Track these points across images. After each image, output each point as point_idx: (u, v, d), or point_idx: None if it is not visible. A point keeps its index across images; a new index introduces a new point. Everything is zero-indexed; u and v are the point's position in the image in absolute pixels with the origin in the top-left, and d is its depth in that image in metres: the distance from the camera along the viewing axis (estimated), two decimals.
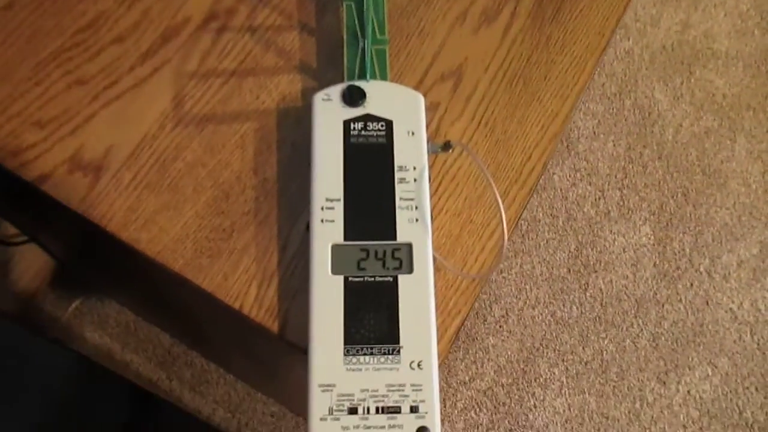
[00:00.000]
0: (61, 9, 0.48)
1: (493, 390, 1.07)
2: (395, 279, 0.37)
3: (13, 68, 0.46)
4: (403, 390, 0.35)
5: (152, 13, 0.49)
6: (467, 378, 1.07)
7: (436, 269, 0.40)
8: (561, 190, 1.22)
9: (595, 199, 1.22)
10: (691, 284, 1.17)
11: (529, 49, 0.50)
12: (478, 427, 1.05)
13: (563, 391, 1.07)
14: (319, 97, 0.41)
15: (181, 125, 0.45)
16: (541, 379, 1.08)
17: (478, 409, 1.06)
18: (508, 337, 1.11)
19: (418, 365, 0.36)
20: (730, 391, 1.09)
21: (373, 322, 0.36)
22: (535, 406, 1.06)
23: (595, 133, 1.29)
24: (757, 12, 1.47)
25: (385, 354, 0.36)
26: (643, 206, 1.23)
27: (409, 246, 0.38)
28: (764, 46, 1.43)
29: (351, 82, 0.42)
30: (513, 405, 1.06)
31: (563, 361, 1.09)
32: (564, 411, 1.06)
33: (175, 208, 0.43)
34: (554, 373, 1.08)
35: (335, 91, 0.41)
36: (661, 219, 1.22)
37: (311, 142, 0.40)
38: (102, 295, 1.06)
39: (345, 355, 0.36)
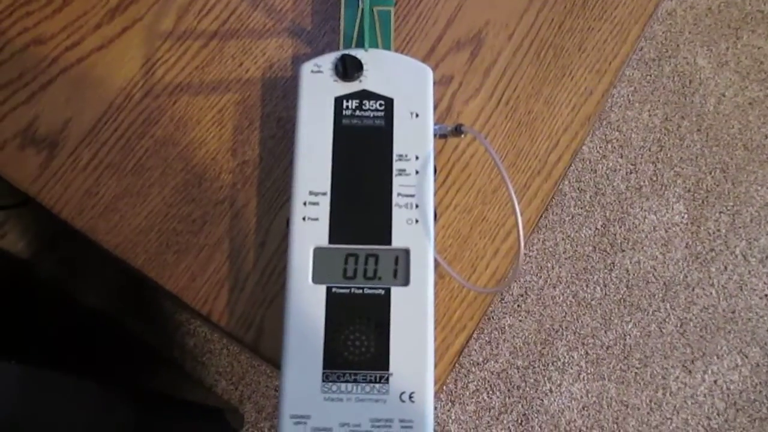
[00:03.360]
0: None
1: (507, 372, 1.02)
2: (387, 292, 0.31)
3: None
4: (390, 427, 0.29)
5: None
6: (480, 359, 1.02)
7: (439, 276, 0.33)
8: (590, 161, 1.14)
9: (627, 173, 1.14)
10: (725, 267, 1.09)
11: (562, 14, 0.42)
12: (489, 410, 1.00)
13: (582, 376, 1.02)
14: (307, 68, 0.35)
15: (150, 95, 0.39)
16: (559, 363, 1.02)
17: (490, 392, 1.01)
18: (526, 317, 1.05)
19: (410, 397, 0.30)
20: (760, 383, 1.03)
21: (358, 342, 0.31)
22: (551, 391, 1.01)
23: (629, 101, 1.19)
24: None
25: (371, 382, 0.30)
26: (678, 182, 1.14)
27: (406, 252, 0.32)
28: None
29: (346, 51, 0.35)
30: (527, 389, 1.01)
31: (583, 344, 1.03)
32: (581, 397, 1.01)
33: (139, 194, 0.37)
34: (573, 357, 1.03)
35: (326, 60, 0.35)
36: (697, 196, 1.14)
37: (296, 122, 0.34)
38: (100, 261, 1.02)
39: (324, 381, 0.30)
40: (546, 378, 1.02)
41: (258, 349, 0.34)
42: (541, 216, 0.38)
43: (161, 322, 1.02)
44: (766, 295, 1.08)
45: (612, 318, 1.05)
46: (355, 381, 0.30)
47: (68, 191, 0.37)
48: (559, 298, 1.06)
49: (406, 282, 0.31)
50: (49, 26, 0.40)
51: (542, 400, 1.01)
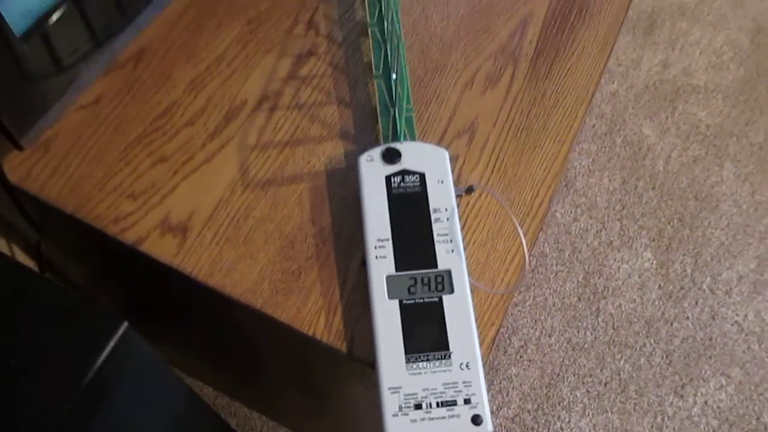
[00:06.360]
0: (140, 100, 0.59)
1: (520, 416, 1.13)
2: (440, 299, 0.46)
3: (106, 152, 0.56)
4: (456, 386, 0.43)
5: (215, 99, 0.59)
6: (495, 407, 1.14)
7: (471, 290, 0.48)
8: (564, 225, 1.32)
9: (597, 231, 1.31)
10: (696, 302, 1.25)
11: (528, 105, 0.60)
12: None
13: (587, 412, 1.14)
14: (363, 159, 0.51)
15: (248, 189, 0.55)
16: (565, 403, 1.14)
17: None
18: (528, 365, 1.18)
19: (467, 366, 0.44)
20: (746, 399, 1.16)
21: (426, 334, 0.45)
22: (561, 429, 1.12)
23: (591, 170, 1.39)
24: (729, 47, 1.59)
25: (439, 359, 0.44)
26: (643, 233, 1.31)
27: (449, 272, 0.47)
28: (740, 78, 1.54)
29: (388, 145, 0.51)
30: (540, 429, 1.12)
31: (583, 383, 1.16)
32: (590, 430, 1.12)
33: (251, 257, 0.52)
34: (576, 396, 1.15)
35: (376, 152, 0.51)
36: (661, 244, 1.30)
37: (360, 195, 0.50)
38: None
39: (407, 362, 0.44)
40: (555, 417, 1.13)
41: (352, 354, 0.48)
42: (534, 243, 0.54)
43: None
44: (736, 322, 1.23)
45: (605, 357, 1.19)
46: (427, 360, 0.44)
47: (200, 261, 0.51)
48: (556, 345, 1.20)
49: (451, 291, 0.46)
50: (169, 149, 0.56)
51: None
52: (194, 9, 0.64)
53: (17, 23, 0.43)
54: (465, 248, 0.51)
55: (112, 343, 0.36)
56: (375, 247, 0.48)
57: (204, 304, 0.59)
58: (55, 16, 0.44)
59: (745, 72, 1.55)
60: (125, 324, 0.36)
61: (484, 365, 0.45)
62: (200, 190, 0.54)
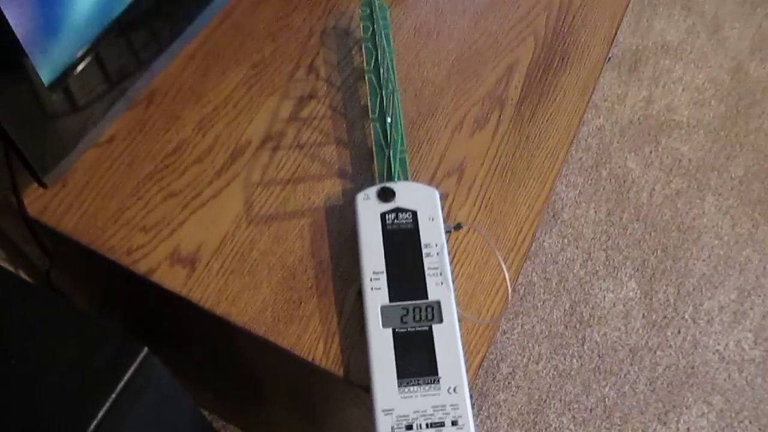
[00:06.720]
0: (151, 139, 0.63)
1: None
2: (430, 328, 0.50)
3: (120, 187, 0.60)
4: (444, 409, 0.47)
5: (222, 138, 0.63)
6: None
7: (459, 319, 0.52)
8: (551, 254, 1.36)
9: (583, 261, 1.36)
10: (679, 331, 1.29)
11: (513, 147, 0.64)
12: None
13: None
14: (360, 197, 0.55)
15: (253, 223, 0.59)
16: (551, 428, 1.18)
17: None
18: (516, 391, 1.21)
19: (454, 390, 0.48)
20: (727, 426, 1.19)
21: (417, 360, 0.49)
22: None
23: (577, 201, 1.44)
24: (711, 84, 1.65)
25: (428, 383, 0.48)
26: (627, 264, 1.36)
27: (438, 303, 0.51)
28: (720, 114, 1.60)
29: (383, 184, 0.56)
30: None
31: (569, 410, 1.19)
32: None
33: (255, 287, 0.56)
34: (563, 422, 1.18)
35: (372, 191, 0.55)
36: (645, 274, 1.35)
37: (357, 230, 0.54)
38: None
39: (399, 386, 0.48)
40: None
41: (349, 379, 0.51)
42: (517, 278, 0.58)
43: None
44: (717, 351, 1.27)
45: (590, 384, 1.22)
46: (418, 384, 0.48)
47: (207, 290, 0.55)
48: (543, 371, 1.23)
49: (441, 321, 0.50)
50: (178, 185, 0.60)
51: None
52: (202, 53, 0.69)
53: (46, 74, 0.47)
54: (453, 281, 0.55)
55: (133, 367, 0.39)
56: (370, 279, 0.52)
57: (208, 329, 0.63)
58: (79, 67, 0.49)
59: (725, 108, 1.62)
60: (145, 349, 0.40)
61: (470, 389, 0.48)
62: (208, 223, 0.58)
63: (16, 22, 0.41)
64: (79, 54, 0.49)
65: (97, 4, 0.48)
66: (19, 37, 0.42)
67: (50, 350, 0.41)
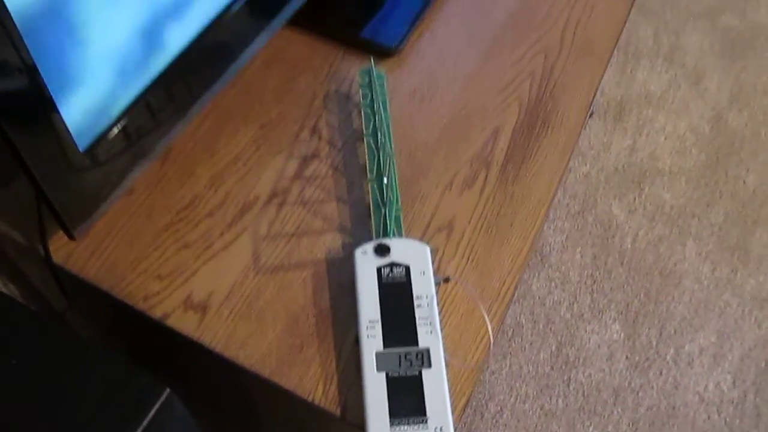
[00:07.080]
0: (168, 194, 0.69)
1: None
2: (420, 372, 0.56)
3: (138, 237, 0.66)
4: None
5: (232, 193, 0.69)
6: None
7: (446, 364, 0.58)
8: (539, 297, 1.42)
9: (569, 304, 1.41)
10: (661, 372, 1.34)
11: (498, 205, 0.71)
12: None
13: None
14: (358, 252, 0.61)
15: (260, 273, 0.64)
16: None
17: None
18: (504, 430, 1.26)
19: (441, 429, 0.53)
20: None
21: (407, 402, 0.54)
22: None
23: (564, 246, 1.50)
24: (692, 134, 1.73)
25: (417, 423, 0.53)
26: (612, 307, 1.42)
27: (428, 350, 0.57)
28: (701, 162, 1.68)
29: (379, 240, 0.62)
30: None
31: None
32: None
33: (261, 332, 0.61)
34: None
35: (369, 247, 0.61)
36: (628, 317, 1.41)
37: (355, 282, 0.60)
38: None
39: (391, 425, 0.53)
40: None
41: (345, 418, 0.57)
42: (500, 327, 0.64)
43: None
44: (697, 392, 1.32)
45: (575, 424, 1.27)
46: (408, 423, 0.53)
47: (218, 335, 0.61)
48: (529, 411, 1.28)
49: (429, 366, 0.56)
50: (192, 236, 0.66)
51: None
52: (214, 115, 0.75)
53: (81, 141, 0.53)
54: (442, 329, 0.61)
55: (155, 407, 0.45)
56: (366, 327, 0.57)
57: (217, 369, 0.68)
58: (110, 135, 0.55)
59: (705, 157, 1.69)
60: (167, 390, 0.45)
61: (455, 429, 0.54)
62: (218, 273, 0.64)
63: (64, 111, 0.48)
64: (111, 124, 0.55)
65: (127, 83, 0.54)
66: (64, 119, 0.49)
67: (75, 388, 0.47)
